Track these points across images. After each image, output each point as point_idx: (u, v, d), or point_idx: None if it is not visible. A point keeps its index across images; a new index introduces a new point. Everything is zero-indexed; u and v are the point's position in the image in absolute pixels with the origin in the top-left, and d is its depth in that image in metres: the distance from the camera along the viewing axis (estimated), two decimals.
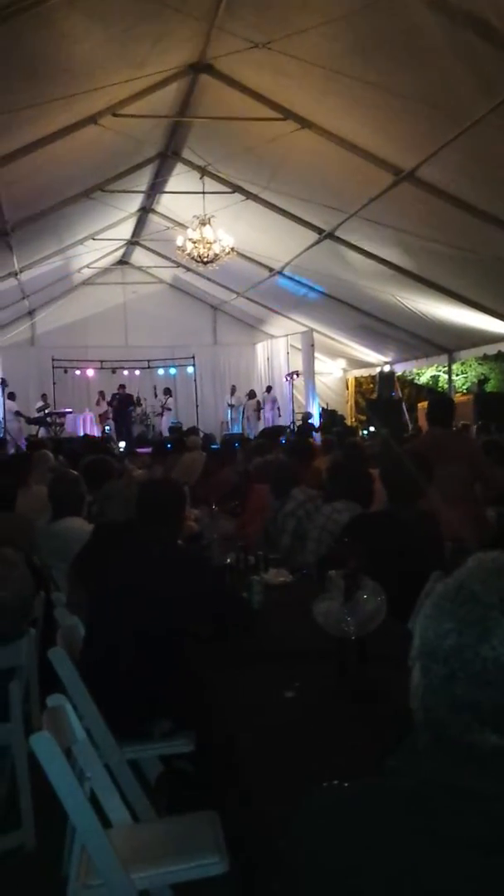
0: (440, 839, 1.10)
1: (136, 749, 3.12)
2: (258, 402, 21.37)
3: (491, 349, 14.48)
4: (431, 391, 22.46)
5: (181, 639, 3.20)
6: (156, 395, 21.65)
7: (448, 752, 1.12)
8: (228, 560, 4.23)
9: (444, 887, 1.08)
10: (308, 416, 18.62)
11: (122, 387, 21.16)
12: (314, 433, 13.76)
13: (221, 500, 5.92)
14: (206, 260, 12.24)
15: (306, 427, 13.74)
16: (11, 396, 19.72)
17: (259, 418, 20.93)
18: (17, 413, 19.67)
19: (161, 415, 21.47)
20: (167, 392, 21.75)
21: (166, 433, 19.66)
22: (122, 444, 17.88)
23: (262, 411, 21.15)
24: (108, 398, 20.97)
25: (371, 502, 4.35)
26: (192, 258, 12.45)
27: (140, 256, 20.81)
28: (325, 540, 4.35)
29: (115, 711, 3.01)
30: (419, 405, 18.50)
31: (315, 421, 18.17)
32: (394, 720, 2.38)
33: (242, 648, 3.15)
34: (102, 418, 20.83)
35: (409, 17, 6.69)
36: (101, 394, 21.15)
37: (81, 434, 18.97)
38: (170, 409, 21.43)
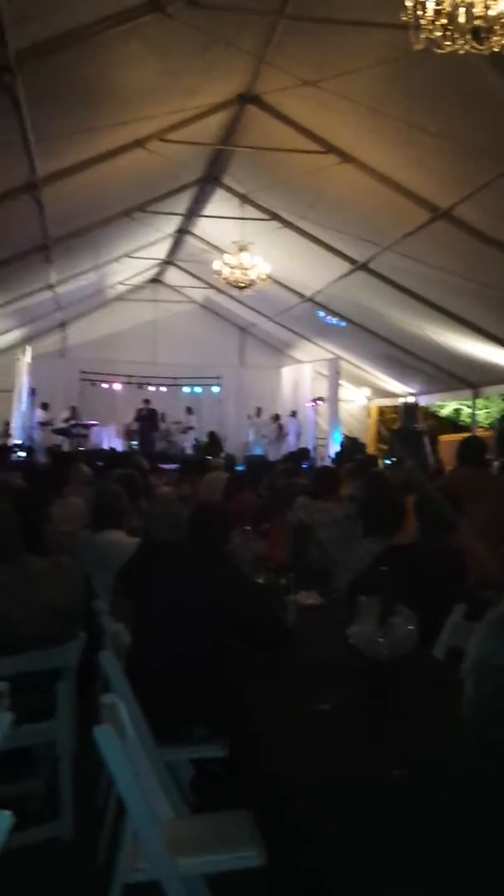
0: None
1: (172, 751, 3.31)
2: (280, 425, 21.58)
3: None
4: (453, 425, 22.60)
5: (221, 651, 3.40)
6: (189, 412, 21.91)
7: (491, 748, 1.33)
8: (260, 580, 4.43)
9: None
10: (354, 441, 18.78)
11: (147, 402, 21.45)
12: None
13: (253, 521, 6.12)
14: (241, 285, 12.52)
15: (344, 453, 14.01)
16: (45, 407, 20.07)
17: (282, 442, 21.12)
18: (42, 423, 19.99)
19: (185, 432, 21.71)
20: (189, 411, 22.04)
21: (189, 451, 19.95)
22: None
23: (286, 435, 21.34)
24: (135, 413, 21.27)
25: (398, 531, 4.52)
26: (229, 283, 12.74)
27: (173, 276, 21.15)
28: (352, 567, 4.54)
29: (155, 715, 3.21)
30: (440, 437, 18.66)
31: (335, 448, 18.39)
32: (421, 734, 2.60)
33: (277, 663, 3.35)
34: (129, 434, 21.07)
35: (457, 66, 6.91)
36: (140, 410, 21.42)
37: (107, 447, 19.24)
38: (193, 428, 21.67)
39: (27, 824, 3.48)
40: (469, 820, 1.83)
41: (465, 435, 16.16)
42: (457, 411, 24.76)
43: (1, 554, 3.70)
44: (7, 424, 19.26)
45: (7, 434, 18.91)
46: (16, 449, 16.89)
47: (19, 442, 18.34)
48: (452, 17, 4.72)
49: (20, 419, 19.41)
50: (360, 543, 4.66)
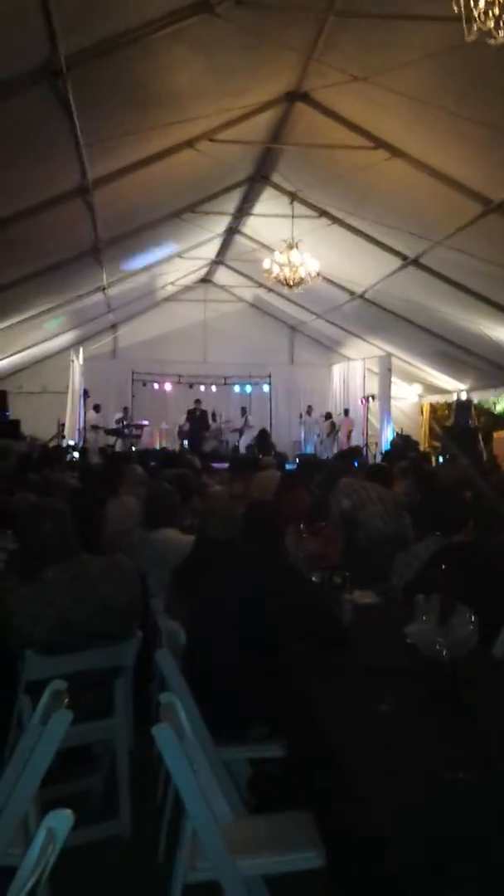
0: None
1: (229, 750, 3.31)
2: (332, 423, 21.49)
3: None
4: None
5: (277, 650, 3.38)
6: (244, 413, 21.93)
7: None
8: (314, 578, 4.40)
9: None
10: (407, 438, 18.64)
11: (199, 401, 21.53)
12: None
13: (306, 519, 6.10)
14: (291, 283, 12.49)
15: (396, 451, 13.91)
16: (97, 408, 20.28)
17: (334, 440, 21.05)
18: (95, 426, 20.17)
19: (241, 432, 21.69)
20: (244, 412, 22.05)
21: (243, 450, 19.97)
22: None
23: (337, 434, 21.25)
24: (187, 413, 21.36)
25: (460, 529, 4.44)
26: (279, 281, 12.72)
27: (223, 275, 21.21)
28: (411, 566, 4.49)
29: (212, 714, 3.21)
30: (495, 435, 18.41)
31: (385, 445, 18.25)
32: (484, 736, 2.55)
33: (335, 662, 3.32)
34: (181, 434, 21.17)
35: None
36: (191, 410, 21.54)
37: (157, 447, 19.36)
38: (251, 427, 21.64)
39: (86, 822, 3.51)
40: None
41: None
42: None
43: (58, 552, 3.72)
44: (62, 426, 19.49)
45: (61, 435, 19.13)
46: (70, 449, 17.09)
47: (73, 442, 18.55)
48: None
49: (73, 420, 19.63)
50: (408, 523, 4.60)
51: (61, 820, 1.73)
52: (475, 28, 4.72)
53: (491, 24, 4.71)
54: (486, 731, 2.59)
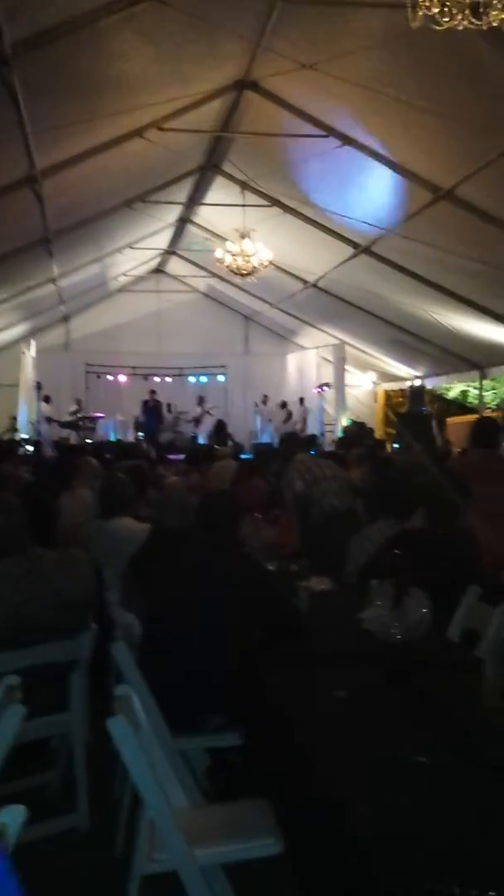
0: None
1: (186, 741, 3.30)
2: (289, 412, 21.51)
3: None
4: (461, 406, 22.52)
5: (236, 640, 3.38)
6: (201, 402, 21.78)
7: None
8: (271, 567, 4.41)
9: None
10: (362, 425, 18.66)
11: (154, 392, 21.41)
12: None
13: (263, 508, 6.11)
14: (244, 273, 12.46)
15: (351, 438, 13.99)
16: (47, 400, 20.03)
17: (290, 428, 21.04)
18: (49, 419, 19.93)
19: (197, 421, 21.56)
20: (201, 401, 21.92)
21: (203, 440, 19.89)
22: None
23: (294, 423, 21.25)
24: (142, 405, 21.21)
25: (413, 513, 4.48)
26: (231, 270, 12.68)
27: (176, 265, 21.09)
28: (366, 550, 4.52)
29: (169, 705, 3.19)
30: (447, 420, 18.60)
31: (339, 433, 18.29)
32: (440, 718, 2.58)
33: (293, 651, 3.33)
34: (136, 426, 21.02)
35: (455, 43, 6.83)
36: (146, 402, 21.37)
37: (113, 439, 19.22)
38: (209, 413, 21.45)
39: (44, 816, 3.49)
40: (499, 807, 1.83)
41: (474, 417, 16.12)
42: (464, 393, 24.63)
43: (10, 547, 3.69)
44: (13, 419, 19.25)
45: (14, 429, 18.89)
46: (23, 443, 16.88)
47: (26, 436, 18.32)
48: None
49: (26, 413, 19.39)
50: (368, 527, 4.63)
51: (13, 815, 1.71)
52: (420, 14, 4.74)
53: (436, 9, 4.73)
54: (442, 713, 2.61)
